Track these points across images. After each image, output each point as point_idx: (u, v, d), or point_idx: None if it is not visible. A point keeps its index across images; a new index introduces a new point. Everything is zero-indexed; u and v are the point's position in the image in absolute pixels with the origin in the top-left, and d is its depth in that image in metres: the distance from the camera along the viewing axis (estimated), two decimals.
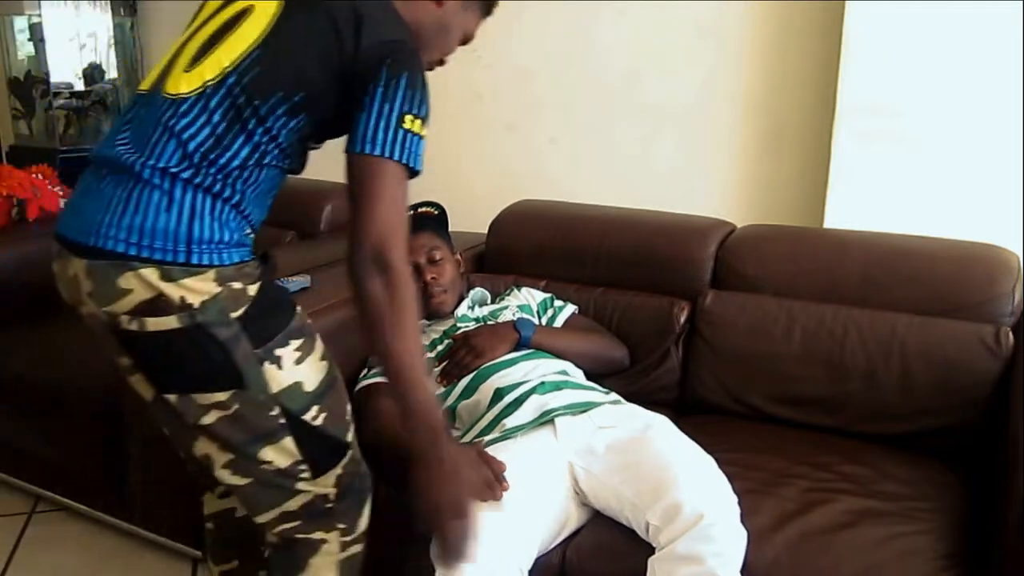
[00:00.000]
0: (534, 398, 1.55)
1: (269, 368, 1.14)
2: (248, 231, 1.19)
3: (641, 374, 1.89)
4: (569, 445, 1.47)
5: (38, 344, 2.22)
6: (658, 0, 2.54)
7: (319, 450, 1.21)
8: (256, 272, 1.17)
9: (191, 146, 1.11)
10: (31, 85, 3.57)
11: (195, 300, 1.09)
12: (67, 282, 1.16)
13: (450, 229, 1.95)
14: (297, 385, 1.17)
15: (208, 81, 1.14)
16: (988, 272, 1.73)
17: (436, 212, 1.91)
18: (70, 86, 3.58)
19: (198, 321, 1.09)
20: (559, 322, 1.86)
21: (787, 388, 1.78)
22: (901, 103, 2.16)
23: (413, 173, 1.17)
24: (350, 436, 1.27)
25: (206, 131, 1.12)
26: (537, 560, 1.34)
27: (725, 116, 2.56)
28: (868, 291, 1.77)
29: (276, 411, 1.16)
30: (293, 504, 1.22)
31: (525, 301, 1.90)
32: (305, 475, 1.21)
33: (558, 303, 1.90)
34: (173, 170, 1.10)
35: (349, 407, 1.28)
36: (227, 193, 1.14)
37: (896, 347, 1.70)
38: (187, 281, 1.09)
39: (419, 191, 1.84)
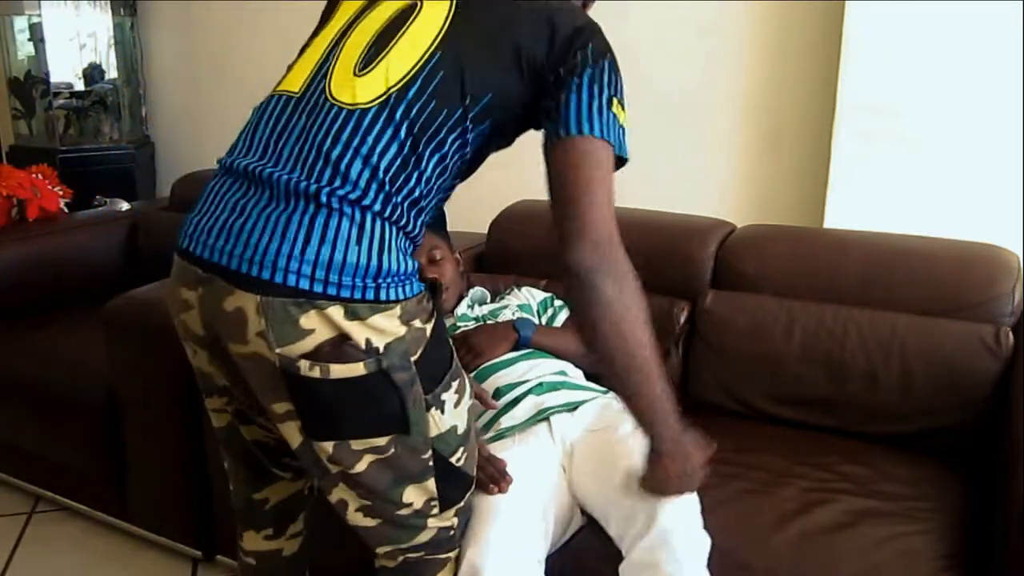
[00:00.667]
0: (530, 398, 1.55)
1: (434, 413, 1.09)
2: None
3: None
4: (563, 444, 1.48)
5: (38, 344, 2.22)
6: (658, 0, 2.54)
7: (453, 488, 1.17)
8: (430, 306, 1.08)
9: (382, 168, 1.01)
10: (31, 85, 3.57)
11: (380, 343, 1.00)
12: (217, 316, 1.03)
13: (450, 229, 1.95)
14: (453, 429, 1.12)
15: (391, 88, 1.03)
16: (988, 272, 1.73)
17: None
18: (70, 86, 3.58)
19: (383, 367, 1.01)
20: (559, 322, 1.86)
21: (787, 388, 1.78)
22: (901, 103, 2.16)
23: (620, 163, 1.10)
24: (475, 470, 1.23)
25: (394, 148, 1.02)
26: None
27: (725, 116, 2.56)
28: (868, 291, 1.77)
29: (428, 454, 1.10)
30: (420, 539, 1.18)
31: (525, 300, 1.90)
32: (435, 511, 1.17)
33: (558, 303, 1.90)
34: (366, 202, 1.00)
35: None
36: (409, 225, 1.05)
37: (896, 347, 1.70)
38: (375, 319, 1.00)
39: None
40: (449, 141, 1.06)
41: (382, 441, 1.06)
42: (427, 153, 1.05)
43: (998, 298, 1.70)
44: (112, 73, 3.61)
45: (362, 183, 1.01)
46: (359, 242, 0.99)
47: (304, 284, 0.97)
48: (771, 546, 1.34)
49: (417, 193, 1.05)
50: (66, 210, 2.72)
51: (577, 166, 1.06)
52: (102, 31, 3.53)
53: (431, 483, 1.13)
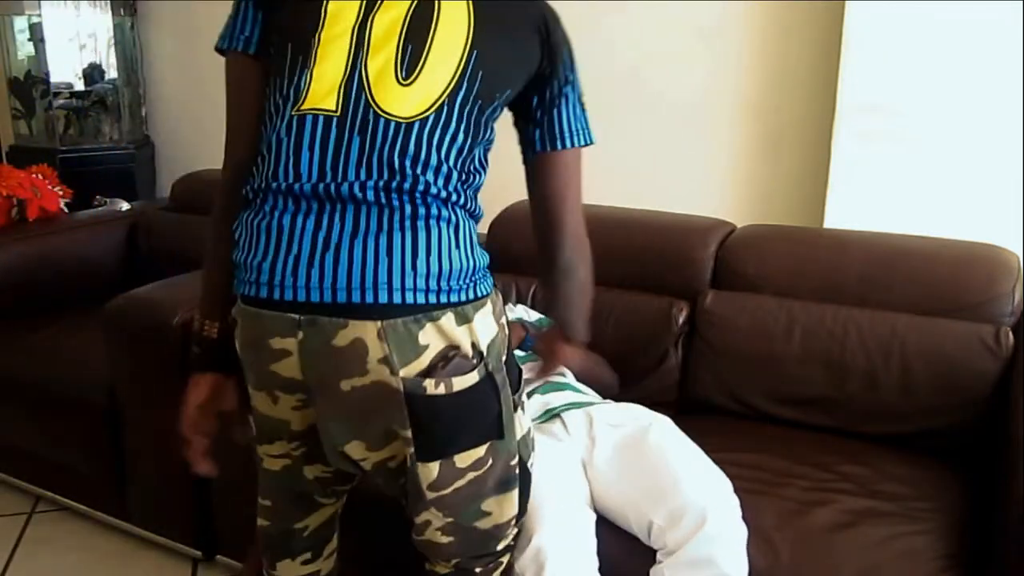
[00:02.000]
0: (536, 398, 1.55)
1: (519, 414, 1.10)
2: None
3: (641, 374, 1.88)
4: (579, 440, 1.48)
5: (38, 344, 2.21)
6: (658, 0, 2.54)
7: (526, 496, 1.17)
8: (501, 299, 1.10)
9: (454, 168, 1.04)
10: (31, 85, 3.57)
11: (483, 344, 1.02)
12: (326, 354, 1.00)
13: None
14: (529, 431, 1.13)
15: (441, 95, 1.04)
16: (988, 272, 1.73)
17: None
18: (70, 86, 3.58)
19: (489, 370, 1.03)
20: None
21: (787, 388, 1.78)
22: (901, 103, 2.16)
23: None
24: None
25: (455, 149, 1.04)
26: None
27: (725, 116, 2.56)
28: (868, 291, 1.77)
29: (515, 460, 1.11)
30: (485, 551, 1.19)
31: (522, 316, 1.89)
32: (510, 531, 1.17)
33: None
34: (453, 199, 1.03)
35: None
36: (479, 211, 1.10)
37: (896, 347, 1.70)
38: (477, 319, 1.02)
39: None
40: (490, 130, 1.12)
41: (482, 451, 1.06)
42: (478, 144, 1.09)
43: (998, 298, 1.70)
44: (112, 73, 3.60)
45: (440, 182, 1.03)
46: (458, 245, 1.02)
47: (420, 299, 0.98)
48: (771, 546, 1.34)
49: (479, 180, 1.11)
50: (66, 210, 2.72)
51: (564, 176, 1.18)
52: (102, 31, 3.53)
53: (515, 493, 1.13)
